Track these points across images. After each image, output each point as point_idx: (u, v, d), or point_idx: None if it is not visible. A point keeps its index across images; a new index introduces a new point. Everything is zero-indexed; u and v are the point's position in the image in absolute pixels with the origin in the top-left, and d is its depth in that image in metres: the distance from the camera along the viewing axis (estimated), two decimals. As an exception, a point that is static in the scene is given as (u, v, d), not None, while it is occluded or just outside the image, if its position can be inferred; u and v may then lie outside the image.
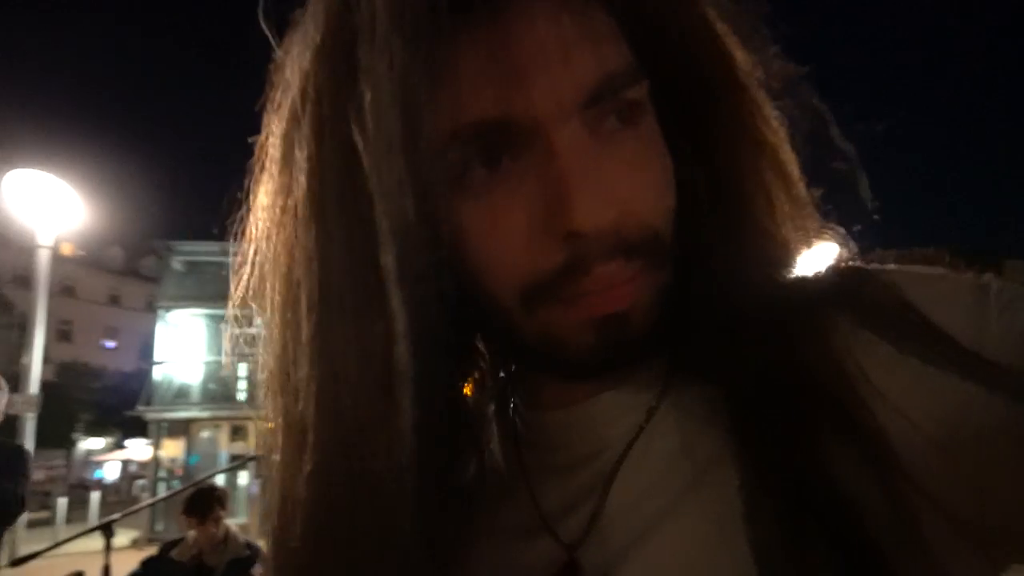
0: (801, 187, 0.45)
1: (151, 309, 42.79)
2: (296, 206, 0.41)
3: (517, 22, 0.38)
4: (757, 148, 0.43)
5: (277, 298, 0.43)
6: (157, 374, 15.81)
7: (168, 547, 3.38)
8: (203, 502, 3.29)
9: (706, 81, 0.43)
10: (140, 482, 19.73)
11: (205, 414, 15.65)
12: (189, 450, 15.35)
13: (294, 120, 0.41)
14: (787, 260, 0.43)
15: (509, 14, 0.38)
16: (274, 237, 0.43)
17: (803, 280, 0.42)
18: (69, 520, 13.62)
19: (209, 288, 15.81)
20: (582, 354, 0.41)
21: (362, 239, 0.38)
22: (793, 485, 0.37)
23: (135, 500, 16.73)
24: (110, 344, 42.99)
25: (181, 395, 16.09)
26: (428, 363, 0.39)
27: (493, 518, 0.47)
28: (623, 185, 0.39)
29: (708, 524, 0.39)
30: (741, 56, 0.43)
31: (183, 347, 16.21)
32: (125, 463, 25.71)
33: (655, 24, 0.41)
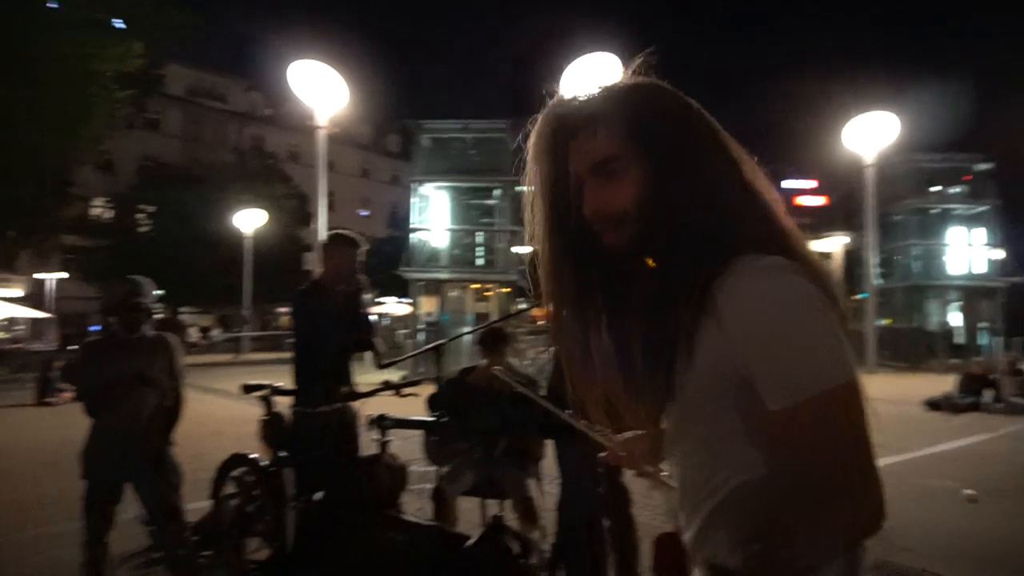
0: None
1: (395, 182, 46.98)
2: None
3: None
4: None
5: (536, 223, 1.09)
6: (412, 240, 17.64)
7: (464, 372, 4.17)
8: (494, 339, 4.07)
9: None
10: (401, 332, 22.56)
11: (453, 276, 17.37)
12: (441, 307, 17.23)
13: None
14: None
15: None
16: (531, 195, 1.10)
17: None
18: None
19: (452, 162, 17.03)
20: None
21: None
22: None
23: (399, 346, 19.39)
24: (364, 212, 48.29)
25: (432, 259, 17.81)
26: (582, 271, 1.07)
27: None
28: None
29: None
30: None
31: (431, 216, 17.76)
32: (380, 316, 29.39)
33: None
